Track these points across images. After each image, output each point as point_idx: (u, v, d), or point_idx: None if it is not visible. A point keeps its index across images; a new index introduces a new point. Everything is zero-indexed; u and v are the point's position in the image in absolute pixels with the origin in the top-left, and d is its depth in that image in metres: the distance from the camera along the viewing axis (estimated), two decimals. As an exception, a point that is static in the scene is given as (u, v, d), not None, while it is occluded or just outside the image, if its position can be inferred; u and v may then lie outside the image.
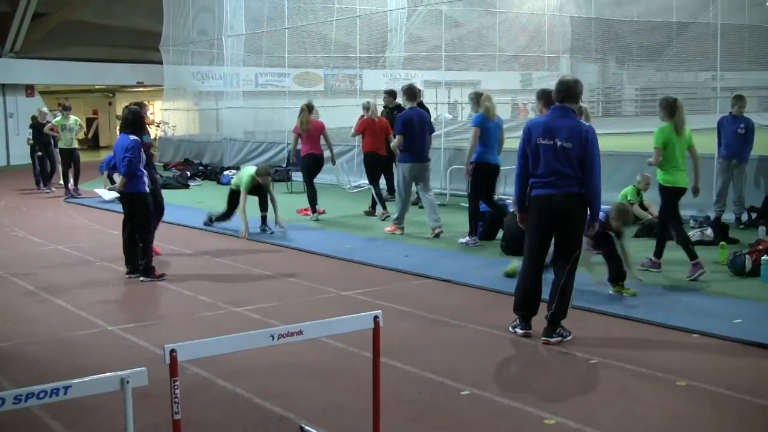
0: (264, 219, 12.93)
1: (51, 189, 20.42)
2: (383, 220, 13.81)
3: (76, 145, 19.17)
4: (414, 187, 12.95)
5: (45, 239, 12.96)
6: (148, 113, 38.53)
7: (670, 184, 9.50)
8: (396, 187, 12.93)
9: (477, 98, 11.62)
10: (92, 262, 10.97)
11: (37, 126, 20.28)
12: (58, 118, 19.22)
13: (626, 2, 29.79)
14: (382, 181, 15.04)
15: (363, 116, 14.81)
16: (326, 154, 14.78)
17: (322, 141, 14.67)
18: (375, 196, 14.57)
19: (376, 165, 14.70)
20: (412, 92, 12.89)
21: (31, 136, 20.79)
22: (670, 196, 9.53)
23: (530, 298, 7.06)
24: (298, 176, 16.42)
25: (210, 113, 29.25)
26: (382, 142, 14.43)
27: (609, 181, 12.49)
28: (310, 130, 14.33)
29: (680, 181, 9.51)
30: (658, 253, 9.67)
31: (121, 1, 33.77)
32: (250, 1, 26.20)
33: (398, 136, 12.47)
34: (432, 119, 14.88)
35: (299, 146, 14.68)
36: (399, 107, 14.76)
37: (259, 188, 12.78)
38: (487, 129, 11.34)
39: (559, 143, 6.73)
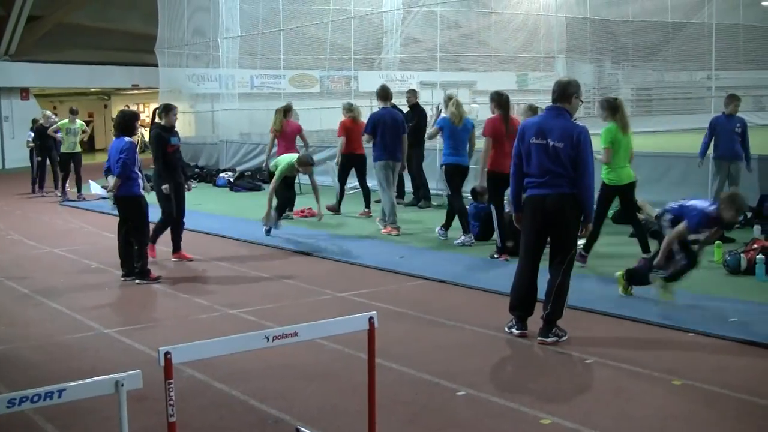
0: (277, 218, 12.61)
1: (45, 193, 20.33)
2: (360, 216, 14.60)
3: (79, 149, 19.09)
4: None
5: (40, 242, 12.95)
6: (143, 116, 38.73)
7: (615, 182, 9.86)
8: (378, 187, 13.12)
9: (447, 102, 11.96)
10: (88, 265, 10.95)
11: (40, 129, 20.12)
12: (65, 121, 19.16)
13: (622, 2, 29.82)
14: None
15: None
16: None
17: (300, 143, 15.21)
18: (339, 194, 15.16)
19: (348, 165, 15.08)
20: (384, 93, 13.28)
21: (31, 139, 20.68)
22: (612, 193, 9.96)
23: (526, 298, 7.05)
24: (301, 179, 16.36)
25: (206, 115, 29.23)
26: (360, 143, 14.55)
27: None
28: (286, 131, 14.79)
29: (625, 178, 9.88)
30: (645, 248, 9.96)
31: (116, 4, 33.76)
32: (245, 4, 26.18)
33: (367, 134, 13.00)
34: (428, 119, 15.04)
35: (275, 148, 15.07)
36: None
37: (291, 181, 12.43)
38: (455, 132, 11.55)
39: (551, 143, 6.74)
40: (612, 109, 9.90)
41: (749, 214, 12.26)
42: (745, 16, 26.88)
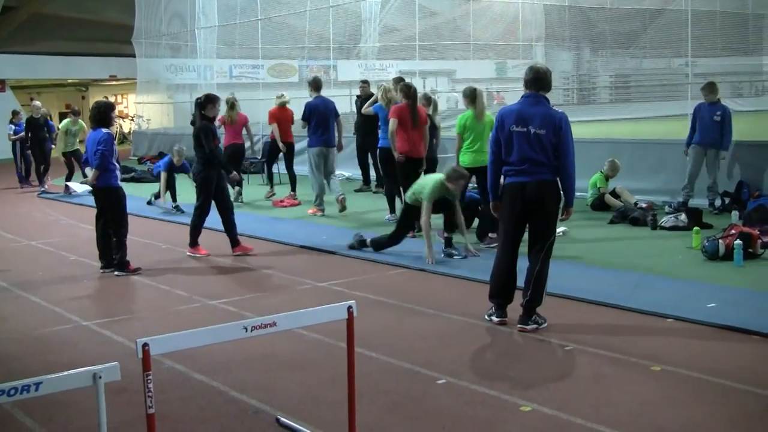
0: (449, 241, 10.07)
1: (40, 186, 19.58)
2: (268, 198, 15.69)
3: (78, 147, 18.91)
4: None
5: (18, 235, 12.87)
6: (122, 107, 38.48)
7: (468, 164, 10.54)
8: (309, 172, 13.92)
9: (380, 90, 13.12)
10: (66, 257, 10.90)
11: (30, 121, 19.66)
12: (67, 121, 19.14)
13: (599, -11, 29.87)
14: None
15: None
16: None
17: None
18: (269, 176, 16.52)
19: (276, 151, 16.11)
20: (316, 83, 14.19)
21: (12, 132, 20.22)
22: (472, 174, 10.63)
23: (505, 285, 7.07)
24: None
25: (184, 106, 29.03)
26: (289, 131, 15.72)
27: (583, 167, 12.56)
28: (236, 122, 15.54)
29: (479, 161, 10.38)
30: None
31: (93, -6, 33.56)
32: (222, -7, 26.07)
33: (302, 121, 13.89)
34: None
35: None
36: (370, 96, 15.30)
37: (445, 200, 9.80)
38: (384, 117, 12.22)
39: (532, 130, 6.74)
40: (471, 98, 10.69)
41: (724, 200, 12.35)
42: (722, 3, 26.95)
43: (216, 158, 10.42)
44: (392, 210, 12.42)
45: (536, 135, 6.74)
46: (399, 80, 15.09)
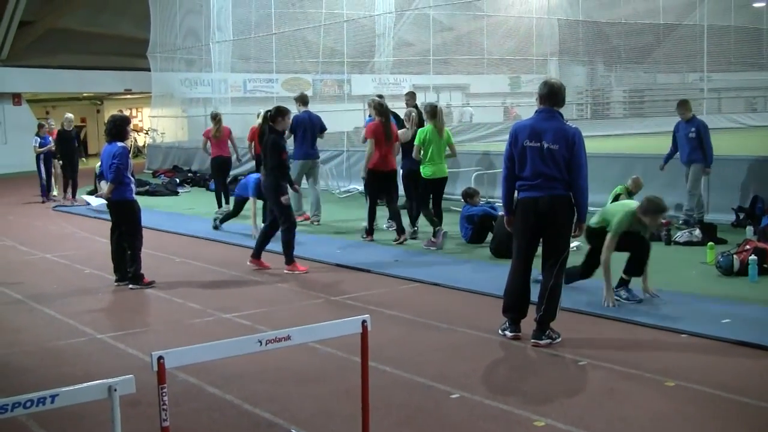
0: (626, 283, 8.33)
1: (72, 199, 19.51)
2: None
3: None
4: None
5: (33, 248, 12.92)
6: (137, 121, 38.67)
7: (429, 176, 11.68)
8: None
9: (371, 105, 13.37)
10: (81, 270, 10.94)
11: (62, 134, 19.54)
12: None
13: (614, 5, 29.84)
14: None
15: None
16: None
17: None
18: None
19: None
20: (303, 99, 14.90)
21: (38, 144, 19.85)
22: (433, 186, 11.82)
23: (519, 300, 7.06)
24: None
25: (198, 120, 29.19)
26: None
27: (596, 183, 12.55)
28: (221, 135, 16.44)
29: (438, 172, 11.71)
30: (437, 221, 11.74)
31: (108, 8, 33.73)
32: (237, 8, 26.16)
33: (288, 132, 13.51)
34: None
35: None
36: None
37: (634, 235, 8.17)
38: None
39: (546, 145, 6.74)
40: (432, 113, 11.73)
41: (739, 216, 12.29)
42: (736, 18, 26.94)
43: (281, 172, 10.31)
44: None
45: (549, 150, 6.74)
46: (411, 95, 15.29)
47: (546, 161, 6.75)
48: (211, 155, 16.60)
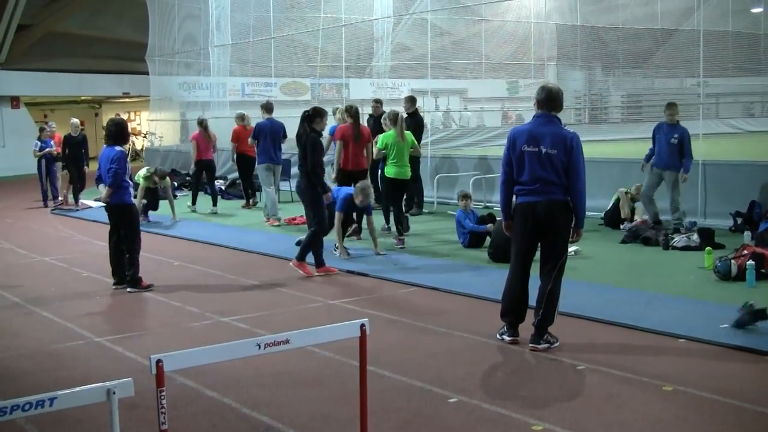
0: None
1: (75, 204, 19.06)
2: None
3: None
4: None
5: (31, 251, 12.92)
6: (135, 124, 38.66)
7: (392, 176, 12.39)
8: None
9: (335, 111, 14.89)
10: (79, 273, 10.94)
11: (68, 139, 19.14)
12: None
13: (611, 10, 29.88)
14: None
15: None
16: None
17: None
18: (244, 190, 17.99)
19: (239, 165, 17.65)
20: (268, 107, 15.93)
21: (38, 148, 19.39)
22: (395, 185, 12.50)
23: (517, 304, 7.06)
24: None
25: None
26: (248, 145, 16.70)
27: (594, 187, 12.58)
28: (204, 139, 17.48)
29: (401, 174, 12.44)
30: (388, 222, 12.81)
31: (106, 12, 33.72)
32: (235, 11, 26.16)
33: (251, 139, 15.68)
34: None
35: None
36: (382, 115, 15.36)
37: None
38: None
39: (544, 150, 6.75)
40: (393, 120, 12.54)
41: (737, 221, 12.31)
42: (734, 24, 26.97)
43: (318, 173, 10.24)
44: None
45: (547, 155, 6.75)
46: (411, 99, 15.42)
47: (544, 166, 6.76)
48: (195, 158, 17.60)
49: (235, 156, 17.41)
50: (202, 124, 17.76)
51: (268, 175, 15.25)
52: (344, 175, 12.82)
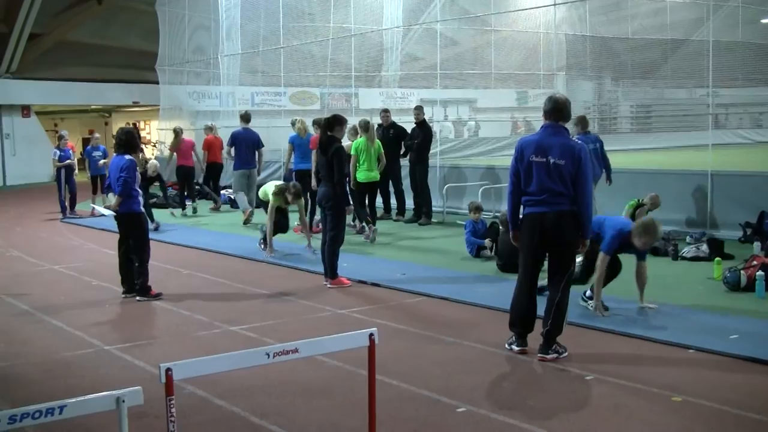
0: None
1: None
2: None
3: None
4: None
5: (41, 259, 12.96)
6: (145, 133, 38.76)
7: (363, 180, 14.20)
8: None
9: (293, 123, 15.87)
10: (88, 282, 10.96)
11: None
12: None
13: (621, 20, 29.85)
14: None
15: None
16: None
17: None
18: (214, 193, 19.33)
19: (210, 172, 19.74)
20: (245, 117, 17.31)
21: (57, 158, 18.91)
22: (365, 187, 14.40)
23: (525, 315, 7.06)
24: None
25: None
26: (218, 155, 19.61)
27: (605, 197, 12.59)
28: (181, 148, 18.88)
29: (371, 177, 14.25)
30: (370, 220, 14.02)
31: (117, 21, 33.86)
32: (245, 21, 26.23)
33: (227, 147, 17.14)
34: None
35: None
36: (394, 125, 15.49)
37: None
38: (300, 144, 15.20)
39: (552, 161, 6.76)
40: (365, 128, 14.17)
41: (746, 231, 12.28)
42: (744, 34, 26.93)
43: (344, 185, 10.15)
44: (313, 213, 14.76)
45: (555, 165, 6.76)
46: (419, 108, 15.53)
47: (552, 177, 6.76)
48: (176, 165, 19.15)
49: (205, 165, 19.62)
50: (177, 133, 19.27)
51: (243, 180, 16.76)
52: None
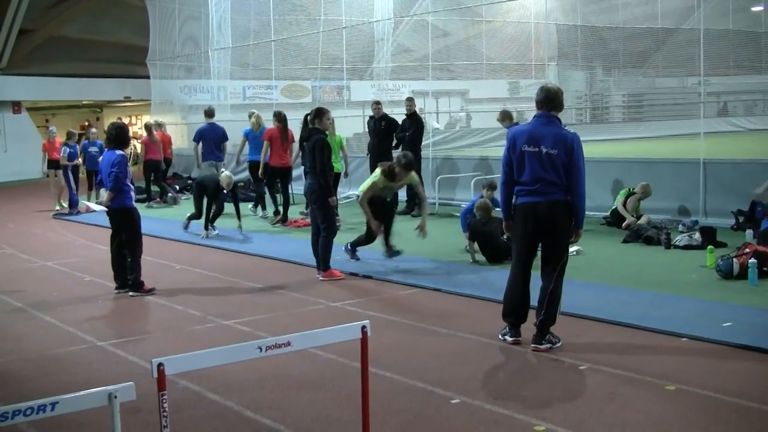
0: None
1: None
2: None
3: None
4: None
5: (33, 256, 12.93)
6: (136, 128, 38.66)
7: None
8: None
9: (250, 116, 16.92)
10: (81, 278, 10.94)
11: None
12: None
13: (612, 9, 29.85)
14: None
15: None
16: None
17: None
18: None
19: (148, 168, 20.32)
20: (209, 112, 18.17)
21: (66, 155, 18.78)
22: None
23: (519, 305, 7.06)
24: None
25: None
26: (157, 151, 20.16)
27: (597, 186, 12.61)
28: (147, 142, 20.11)
29: (336, 169, 12.94)
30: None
31: (107, 16, 33.77)
32: (236, 15, 26.20)
33: (194, 142, 18.06)
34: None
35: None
36: (385, 117, 15.48)
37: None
38: (254, 138, 16.31)
39: (544, 150, 6.74)
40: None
41: (739, 219, 12.31)
42: (734, 22, 26.95)
43: (326, 176, 10.11)
44: (257, 205, 16.72)
45: (548, 155, 6.75)
46: (410, 100, 15.58)
47: (545, 166, 6.75)
48: (144, 158, 20.23)
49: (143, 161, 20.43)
50: (148, 128, 20.46)
51: (211, 170, 17.09)
52: (272, 171, 15.52)
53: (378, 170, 10.93)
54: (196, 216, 14.16)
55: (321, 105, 11.21)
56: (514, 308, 7.07)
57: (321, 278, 10.19)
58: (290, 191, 15.95)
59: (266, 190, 16.33)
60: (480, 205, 11.01)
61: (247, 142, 16.66)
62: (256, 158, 16.07)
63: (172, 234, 14.40)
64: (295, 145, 15.17)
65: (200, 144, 17.80)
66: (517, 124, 12.93)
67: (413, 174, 11.34)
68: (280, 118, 15.52)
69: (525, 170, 6.84)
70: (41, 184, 20.58)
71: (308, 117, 10.56)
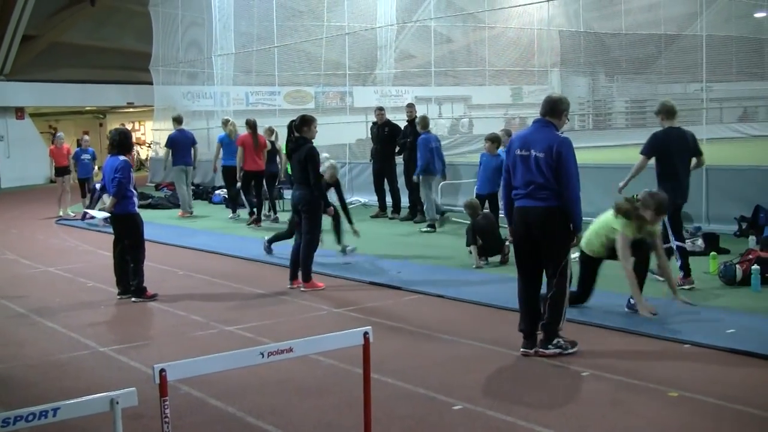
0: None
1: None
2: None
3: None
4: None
5: (36, 261, 12.93)
6: (139, 134, 38.73)
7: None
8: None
9: (225, 123, 18.07)
10: (84, 283, 10.94)
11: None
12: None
13: (615, 16, 29.83)
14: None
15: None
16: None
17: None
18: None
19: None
20: (178, 119, 19.04)
21: (74, 159, 19.23)
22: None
23: (524, 314, 7.01)
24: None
25: (201, 133, 29.13)
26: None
27: (599, 193, 12.57)
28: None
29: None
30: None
31: (110, 22, 33.82)
32: (239, 20, 26.21)
33: (166, 148, 18.78)
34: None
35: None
36: (388, 123, 15.51)
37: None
38: (228, 144, 17.21)
39: (534, 153, 6.79)
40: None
41: (742, 225, 12.28)
42: (737, 28, 26.94)
43: (320, 187, 10.04)
44: (234, 210, 17.38)
45: (536, 158, 6.78)
46: (410, 106, 15.62)
47: (534, 169, 6.78)
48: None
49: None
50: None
51: (181, 176, 18.34)
52: (246, 175, 16.28)
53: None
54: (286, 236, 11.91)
55: (302, 113, 10.59)
56: (522, 317, 7.03)
57: (302, 288, 9.98)
58: (263, 194, 16.78)
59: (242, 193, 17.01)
60: (467, 204, 11.58)
61: (221, 148, 17.52)
62: (230, 163, 16.93)
63: (175, 240, 14.41)
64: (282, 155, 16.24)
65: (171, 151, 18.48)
66: (429, 132, 15.00)
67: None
68: (250, 125, 16.42)
69: (518, 174, 6.91)
70: (44, 190, 20.66)
71: (293, 124, 10.17)
